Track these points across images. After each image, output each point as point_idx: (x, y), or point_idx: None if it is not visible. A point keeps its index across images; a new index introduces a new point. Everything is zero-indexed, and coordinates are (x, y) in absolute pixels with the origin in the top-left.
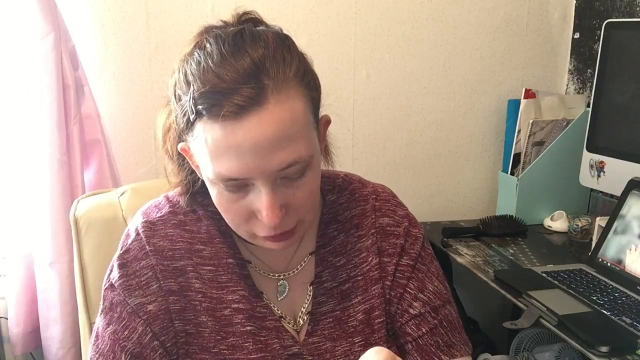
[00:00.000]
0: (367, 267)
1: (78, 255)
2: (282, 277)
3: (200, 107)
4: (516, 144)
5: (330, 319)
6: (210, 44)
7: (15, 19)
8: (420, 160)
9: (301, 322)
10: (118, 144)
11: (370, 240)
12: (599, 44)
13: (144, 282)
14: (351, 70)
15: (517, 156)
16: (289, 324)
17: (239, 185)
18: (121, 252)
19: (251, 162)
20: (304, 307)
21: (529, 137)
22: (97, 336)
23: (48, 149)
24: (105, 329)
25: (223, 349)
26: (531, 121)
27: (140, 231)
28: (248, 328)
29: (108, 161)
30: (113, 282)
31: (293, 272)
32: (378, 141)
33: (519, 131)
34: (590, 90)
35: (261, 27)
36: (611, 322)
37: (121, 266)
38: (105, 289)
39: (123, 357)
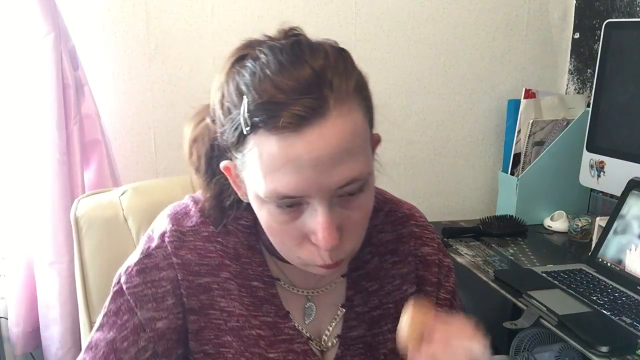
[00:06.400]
0: (401, 296)
1: (78, 255)
2: (309, 294)
3: (256, 119)
4: (516, 144)
5: (361, 345)
6: (265, 54)
7: (15, 19)
8: (420, 160)
9: (330, 344)
10: (118, 144)
11: (406, 268)
12: (599, 44)
13: (159, 295)
14: None
15: (517, 156)
16: (317, 346)
17: (293, 204)
18: (141, 256)
19: (310, 177)
20: (330, 327)
21: (529, 137)
22: (92, 341)
23: (48, 149)
24: (105, 334)
25: None
26: (531, 121)
27: (167, 239)
28: (272, 355)
29: (108, 161)
30: (125, 287)
31: (322, 290)
32: None
33: (519, 131)
34: (590, 90)
35: (316, 40)
36: (611, 322)
37: (139, 272)
38: (115, 292)
39: None
